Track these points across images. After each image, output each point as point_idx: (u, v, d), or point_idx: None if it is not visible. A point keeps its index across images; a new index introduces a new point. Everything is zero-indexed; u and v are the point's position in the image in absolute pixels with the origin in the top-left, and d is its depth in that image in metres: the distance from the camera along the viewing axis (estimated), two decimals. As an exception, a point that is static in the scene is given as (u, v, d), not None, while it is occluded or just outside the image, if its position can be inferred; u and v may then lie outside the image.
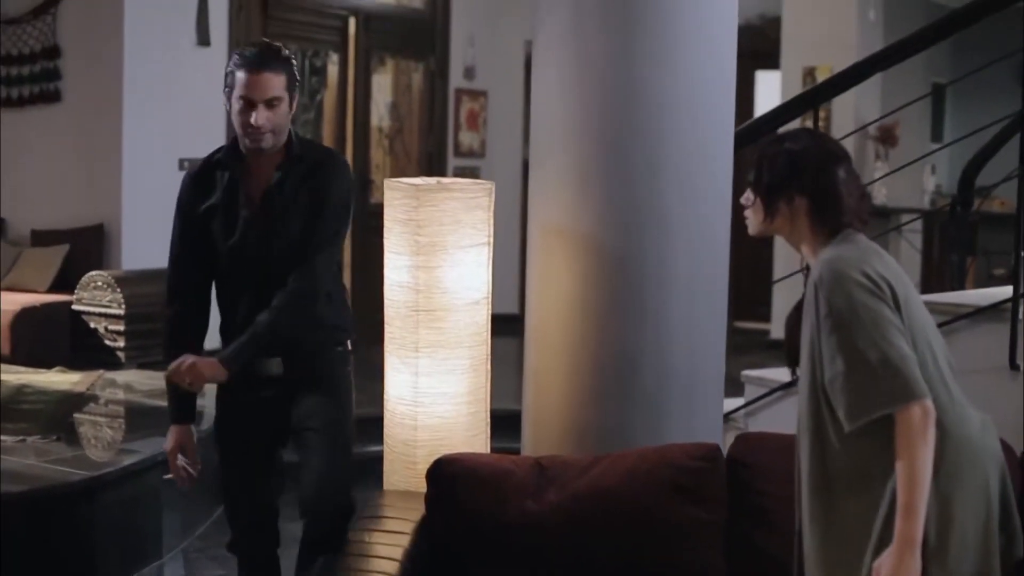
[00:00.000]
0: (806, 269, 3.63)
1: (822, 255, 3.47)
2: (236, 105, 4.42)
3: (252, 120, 4.39)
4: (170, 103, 9.66)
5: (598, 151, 4.59)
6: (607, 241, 4.57)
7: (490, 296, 4.70)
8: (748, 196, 3.65)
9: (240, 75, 4.41)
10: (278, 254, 4.50)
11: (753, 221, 3.64)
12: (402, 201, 4.55)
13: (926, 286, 11.51)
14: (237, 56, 4.49)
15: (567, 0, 4.65)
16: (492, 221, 4.66)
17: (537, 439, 4.76)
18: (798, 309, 3.66)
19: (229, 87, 4.44)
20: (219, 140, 9.89)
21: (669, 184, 4.58)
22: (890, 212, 12.18)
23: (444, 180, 4.79)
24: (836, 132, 11.40)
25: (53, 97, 9.70)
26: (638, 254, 4.58)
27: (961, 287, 8.01)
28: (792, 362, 3.66)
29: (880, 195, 12.62)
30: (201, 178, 4.61)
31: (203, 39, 9.79)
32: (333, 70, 11.31)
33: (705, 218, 4.62)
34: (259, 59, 4.43)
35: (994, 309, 5.17)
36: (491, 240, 4.66)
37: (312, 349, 4.65)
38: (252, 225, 4.52)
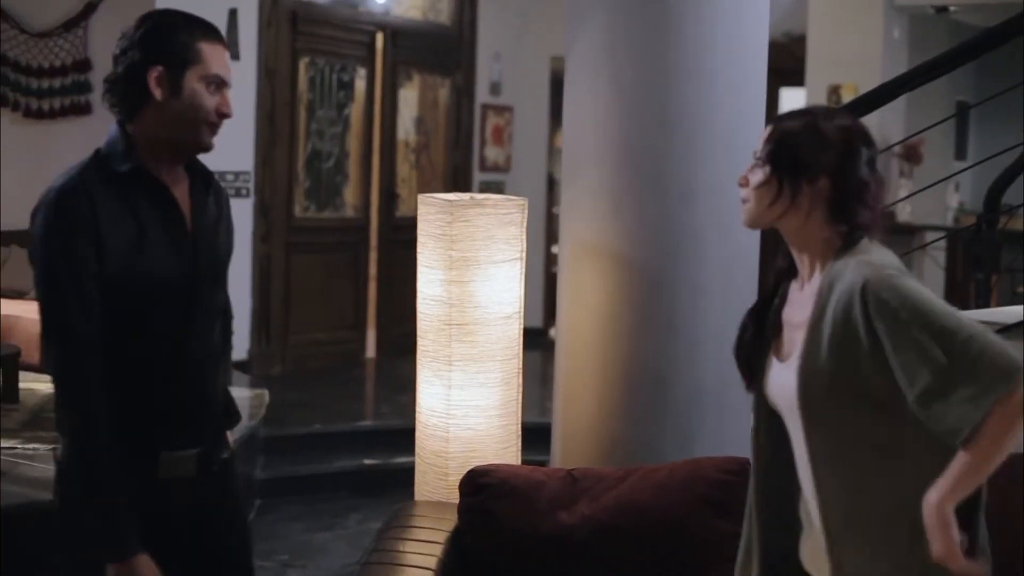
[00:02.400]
0: (782, 276, 3.21)
1: (842, 263, 2.97)
2: (197, 86, 3.33)
3: (227, 106, 3.41)
4: (199, 116, 9.71)
5: (631, 171, 4.64)
6: (639, 260, 4.62)
7: (522, 311, 4.76)
8: (756, 174, 3.08)
9: (206, 47, 3.36)
10: (208, 286, 3.50)
11: (757, 206, 3.08)
12: (436, 216, 4.61)
13: (950, 304, 11.51)
14: (185, 21, 3.41)
15: (599, 21, 4.70)
16: (525, 237, 4.72)
17: (567, 452, 4.80)
18: (757, 312, 3.25)
19: (179, 61, 3.32)
20: (248, 153, 10.02)
21: (702, 205, 4.63)
22: (914, 230, 12.21)
23: (477, 196, 4.84)
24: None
25: (84, 110, 9.77)
26: (670, 273, 4.63)
27: (986, 305, 8.03)
28: (747, 370, 3.25)
29: (904, 212, 12.66)
30: (100, 196, 3.30)
31: (233, 54, 9.81)
32: (360, 84, 11.37)
33: (737, 238, 4.66)
34: (216, 29, 3.48)
35: (1017, 327, 5.19)
36: (524, 255, 4.71)
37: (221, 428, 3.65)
38: (183, 251, 3.42)
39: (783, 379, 3.07)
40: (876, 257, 2.95)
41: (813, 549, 3.12)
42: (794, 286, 3.16)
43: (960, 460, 2.75)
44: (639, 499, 4.18)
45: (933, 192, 12.31)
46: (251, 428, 7.48)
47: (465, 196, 4.80)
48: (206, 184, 3.51)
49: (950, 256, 12.47)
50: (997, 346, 2.72)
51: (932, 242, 11.20)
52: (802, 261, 3.11)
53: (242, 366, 9.65)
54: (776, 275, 3.24)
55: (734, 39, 4.68)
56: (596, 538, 4.14)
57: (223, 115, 3.40)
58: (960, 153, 14.79)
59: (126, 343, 3.30)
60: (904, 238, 11.79)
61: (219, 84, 3.38)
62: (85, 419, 3.24)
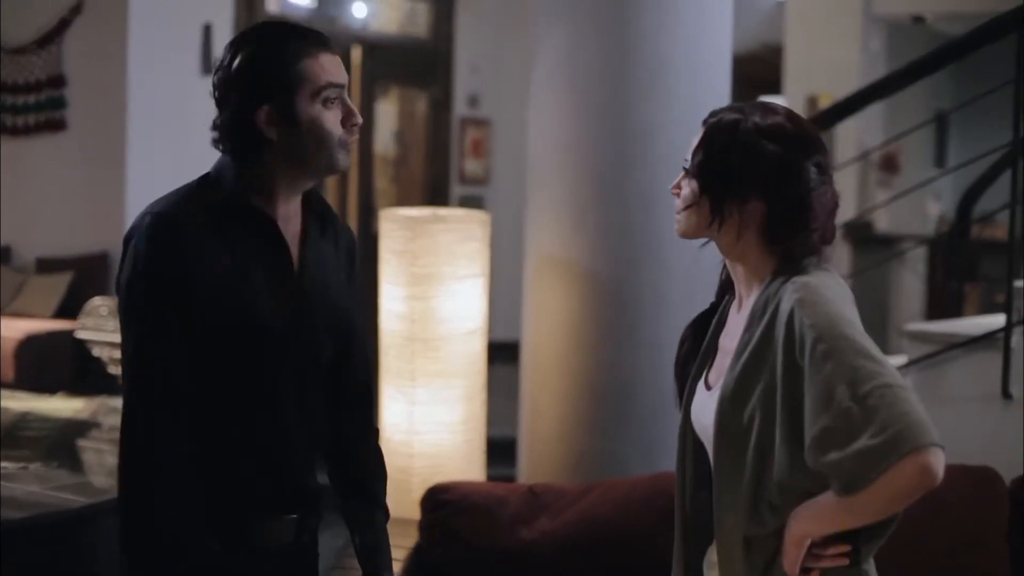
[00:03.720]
0: (725, 289, 2.92)
1: (777, 285, 2.65)
2: (313, 109, 2.86)
3: (353, 115, 2.92)
4: (175, 132, 9.70)
5: (593, 185, 4.65)
6: (601, 272, 4.61)
7: (486, 326, 4.75)
8: (686, 185, 2.75)
9: (308, 63, 2.86)
10: (313, 339, 3.02)
11: (686, 220, 2.76)
12: (398, 232, 4.60)
13: (930, 314, 11.52)
14: (276, 39, 2.90)
15: (562, 33, 4.71)
16: (488, 252, 4.71)
17: (533, 467, 4.80)
18: (695, 326, 2.97)
19: (284, 91, 2.86)
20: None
21: (663, 217, 4.61)
22: (892, 240, 12.21)
23: (440, 211, 4.84)
24: (838, 159, 11.44)
25: (58, 126, 9.75)
26: (633, 284, 4.63)
27: (958, 315, 8.03)
28: (681, 388, 2.92)
29: (883, 222, 12.66)
30: (199, 226, 2.85)
31: (207, 67, 9.83)
32: (337, 98, 11.34)
33: (700, 248, 4.65)
34: (322, 35, 2.97)
35: (987, 338, 5.19)
36: (486, 271, 4.70)
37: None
38: (286, 297, 2.96)
39: (706, 408, 2.76)
40: (816, 280, 2.62)
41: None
42: (733, 308, 2.86)
43: (838, 505, 2.51)
44: (600, 514, 4.15)
45: (912, 202, 12.33)
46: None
47: (428, 212, 4.79)
48: (323, 225, 3.07)
49: (930, 266, 12.48)
50: (911, 404, 2.42)
51: (901, 252, 11.19)
52: (738, 280, 2.80)
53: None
54: (719, 289, 2.95)
55: (695, 56, 4.69)
56: (557, 554, 4.12)
57: (353, 126, 2.93)
58: (940, 163, 14.79)
59: (211, 394, 2.86)
60: (882, 248, 11.79)
61: (336, 95, 2.91)
62: (145, 478, 2.79)
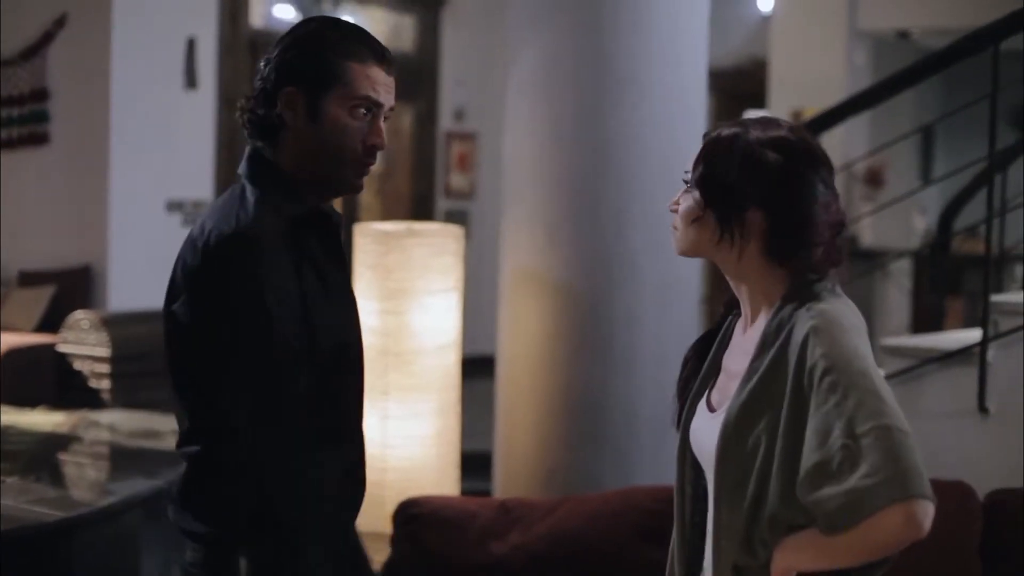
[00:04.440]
0: (730, 308, 2.82)
1: (791, 309, 2.57)
2: (340, 112, 2.78)
3: (378, 136, 2.85)
4: (158, 145, 9.69)
5: (567, 200, 4.66)
6: (575, 287, 4.62)
7: (460, 340, 4.75)
8: (687, 199, 2.66)
9: (356, 67, 2.80)
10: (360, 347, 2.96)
11: (685, 236, 2.66)
12: (372, 247, 4.60)
13: (916, 328, 11.54)
14: (335, 35, 2.83)
15: (536, 54, 4.73)
16: (462, 266, 4.71)
17: (508, 480, 4.80)
18: (699, 346, 2.87)
19: (317, 81, 2.77)
20: (207, 183, 9.98)
21: (637, 233, 4.63)
22: (876, 255, 12.23)
23: (415, 225, 4.84)
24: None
25: (42, 139, 9.74)
26: (607, 298, 4.64)
27: (940, 329, 8.04)
28: (681, 410, 2.83)
29: (867, 236, 12.67)
30: (287, 243, 2.75)
31: (191, 81, 9.84)
32: (320, 112, 11.34)
33: (674, 265, 4.66)
34: (385, 51, 2.91)
35: (963, 353, 5.18)
36: (460, 285, 4.70)
37: None
38: (351, 309, 2.94)
39: (708, 430, 2.68)
40: (832, 308, 2.54)
41: None
42: (738, 328, 2.76)
43: (822, 543, 2.46)
44: (571, 529, 4.15)
45: (898, 217, 12.34)
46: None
47: (402, 226, 4.79)
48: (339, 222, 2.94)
49: (915, 281, 12.49)
50: (908, 450, 2.35)
51: (884, 266, 11.19)
52: (743, 300, 2.70)
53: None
54: (725, 308, 2.83)
55: (670, 69, 4.71)
56: (528, 568, 4.11)
57: (373, 147, 2.83)
58: (926, 178, 14.81)
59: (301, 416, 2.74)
60: (867, 263, 11.80)
61: (370, 110, 2.81)
62: (300, 498, 2.70)
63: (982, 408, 5.05)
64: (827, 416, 2.40)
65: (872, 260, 11.88)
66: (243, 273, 2.66)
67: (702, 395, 2.78)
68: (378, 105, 2.82)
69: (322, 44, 2.80)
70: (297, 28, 2.87)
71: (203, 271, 2.69)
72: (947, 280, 10.14)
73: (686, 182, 2.66)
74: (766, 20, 12.93)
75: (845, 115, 6.05)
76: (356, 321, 2.92)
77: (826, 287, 2.61)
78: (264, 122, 2.79)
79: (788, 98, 12.46)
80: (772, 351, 2.55)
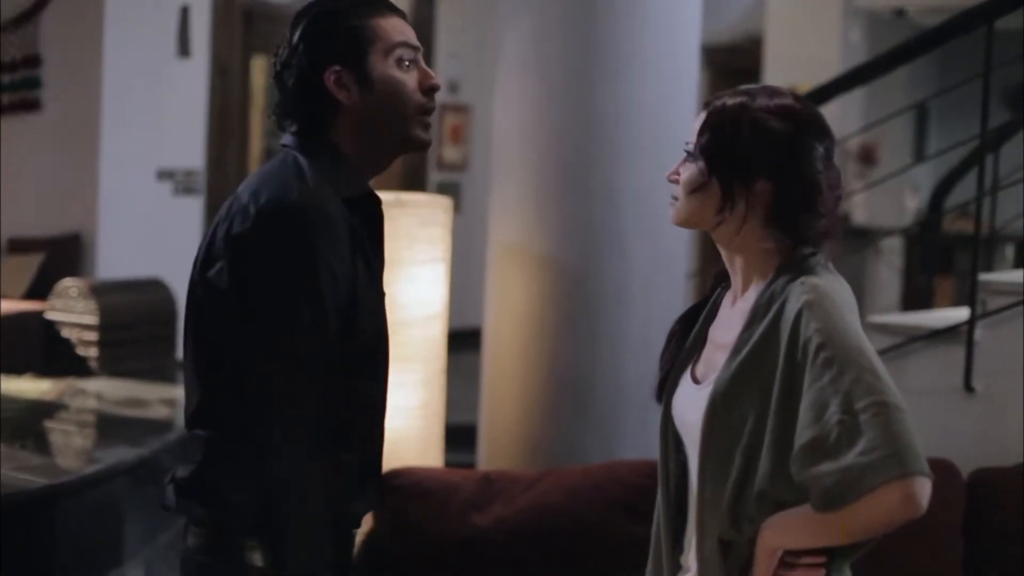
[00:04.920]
0: (719, 281, 2.80)
1: (783, 282, 2.55)
2: (387, 69, 2.72)
3: (434, 80, 2.79)
4: (150, 114, 9.66)
5: (556, 173, 4.64)
6: (564, 260, 4.61)
7: (446, 311, 4.73)
8: (688, 169, 2.63)
9: (380, 21, 2.74)
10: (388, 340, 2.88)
11: (687, 206, 2.63)
12: (359, 216, 4.59)
13: (905, 306, 11.55)
14: (346, 2, 2.74)
15: (527, 26, 4.70)
16: (449, 238, 4.69)
17: (492, 453, 4.79)
18: (686, 319, 2.84)
19: (355, 49, 2.69)
20: (198, 152, 9.95)
21: (627, 207, 4.62)
22: (868, 233, 12.23)
23: (403, 196, 4.82)
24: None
25: (33, 106, 9.69)
26: (595, 273, 4.63)
27: (929, 307, 8.03)
28: (663, 381, 2.81)
29: (860, 214, 12.67)
30: (343, 219, 2.66)
31: (184, 50, 9.80)
32: (315, 83, 11.32)
33: (662, 239, 4.66)
34: (388, 2, 2.83)
35: (950, 331, 5.18)
36: (447, 256, 4.68)
37: None
38: (382, 299, 2.85)
39: (692, 403, 2.65)
40: (826, 283, 2.52)
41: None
42: (726, 300, 2.75)
43: (814, 520, 2.44)
44: (553, 502, 4.15)
45: (890, 195, 12.33)
46: (184, 434, 7.43)
47: (390, 196, 4.76)
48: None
49: (907, 259, 12.49)
50: (905, 427, 2.32)
51: (875, 244, 11.18)
52: (735, 272, 2.68)
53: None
54: (714, 280, 2.82)
55: (662, 45, 4.68)
56: (509, 541, 4.12)
57: (431, 89, 2.77)
58: (919, 157, 14.81)
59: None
60: (859, 241, 11.80)
61: (411, 57, 2.75)
62: (329, 487, 2.62)
63: (968, 387, 5.04)
64: (822, 392, 2.38)
65: (864, 238, 11.88)
66: (300, 246, 2.56)
67: (686, 367, 2.76)
68: (416, 48, 2.77)
69: (343, 15, 2.72)
70: (307, 12, 2.76)
71: (255, 238, 2.59)
72: (938, 259, 10.13)
73: (688, 152, 2.63)
74: (762, -3, 12.92)
75: (839, 91, 6.02)
76: (385, 312, 2.83)
77: (820, 262, 2.59)
78: (316, 113, 2.72)
79: (783, 75, 12.40)
80: (763, 324, 2.53)
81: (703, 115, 2.64)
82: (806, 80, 12.09)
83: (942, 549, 4.35)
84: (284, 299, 2.57)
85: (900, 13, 13.05)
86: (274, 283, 2.58)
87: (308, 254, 2.56)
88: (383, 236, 2.81)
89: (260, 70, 10.79)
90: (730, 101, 2.62)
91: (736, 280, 2.69)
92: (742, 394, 2.53)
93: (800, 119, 2.59)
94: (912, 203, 13.84)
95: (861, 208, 12.68)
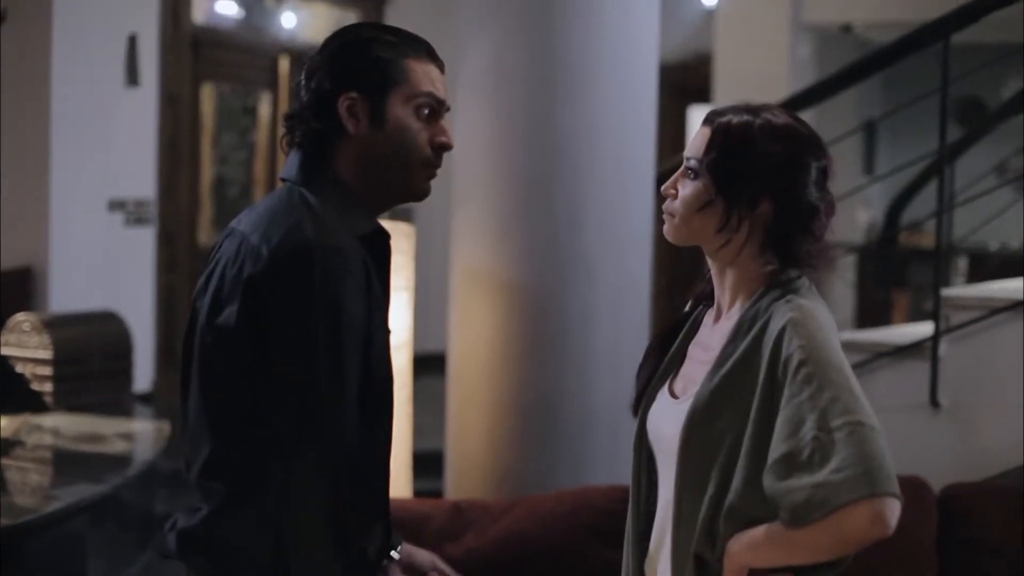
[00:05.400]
0: (700, 300, 2.81)
1: (769, 300, 2.56)
2: (404, 113, 2.67)
3: (445, 135, 2.73)
4: (99, 144, 9.58)
5: (519, 196, 4.62)
6: (527, 285, 4.58)
7: (411, 340, 4.70)
8: (689, 186, 2.62)
9: (414, 64, 2.67)
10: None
11: (686, 224, 2.62)
12: (321, 245, 4.54)
13: (860, 322, 11.57)
14: (386, 34, 2.70)
15: (486, 48, 4.68)
16: (413, 265, 4.66)
17: (460, 481, 4.75)
18: (666, 335, 2.83)
19: (378, 83, 2.64)
20: (149, 181, 9.88)
21: (590, 230, 4.60)
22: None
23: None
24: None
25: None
26: (560, 297, 4.60)
27: (887, 322, 8.05)
28: (639, 396, 2.80)
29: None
30: (357, 257, 2.58)
31: (132, 79, 9.73)
32: (265, 109, 11.28)
33: (627, 260, 4.64)
34: (428, 45, 2.76)
35: (915, 347, 5.18)
36: (411, 284, 4.65)
37: None
38: (388, 334, 2.74)
39: (669, 417, 2.65)
40: (811, 304, 2.53)
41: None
42: (708, 318, 2.76)
43: (782, 537, 2.43)
44: (525, 530, 4.13)
45: (842, 210, 12.35)
46: (151, 461, 7.35)
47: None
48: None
49: (860, 274, 12.52)
50: (879, 448, 2.35)
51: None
52: (723, 289, 2.69)
53: (146, 398, 9.52)
54: (695, 300, 2.83)
55: (621, 67, 4.67)
56: (483, 570, 4.09)
57: (441, 147, 2.70)
58: (869, 171, 14.88)
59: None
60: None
61: (433, 109, 2.69)
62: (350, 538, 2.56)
63: (934, 402, 5.05)
64: (800, 407, 2.39)
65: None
66: (318, 288, 2.48)
67: (664, 383, 2.75)
68: (440, 102, 2.70)
69: (377, 45, 2.66)
70: (344, 33, 2.73)
71: (270, 280, 2.51)
72: (892, 274, 10.17)
73: (691, 168, 2.62)
74: (710, 14, 12.93)
75: (798, 109, 6.04)
76: (390, 352, 2.74)
77: (805, 284, 2.60)
78: (321, 134, 2.65)
79: (733, 92, 12.41)
80: (747, 339, 2.54)
81: (706, 131, 2.63)
82: (755, 97, 12.12)
83: (916, 566, 4.34)
84: (300, 343, 2.50)
85: (847, 29, 13.11)
86: (290, 327, 2.51)
87: (325, 297, 2.48)
88: (390, 272, 2.74)
89: (209, 98, 10.72)
90: (735, 119, 2.61)
91: (723, 297, 2.69)
92: (722, 408, 2.53)
93: (804, 140, 2.60)
94: (864, 218, 13.89)
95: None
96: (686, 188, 2.62)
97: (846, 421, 2.35)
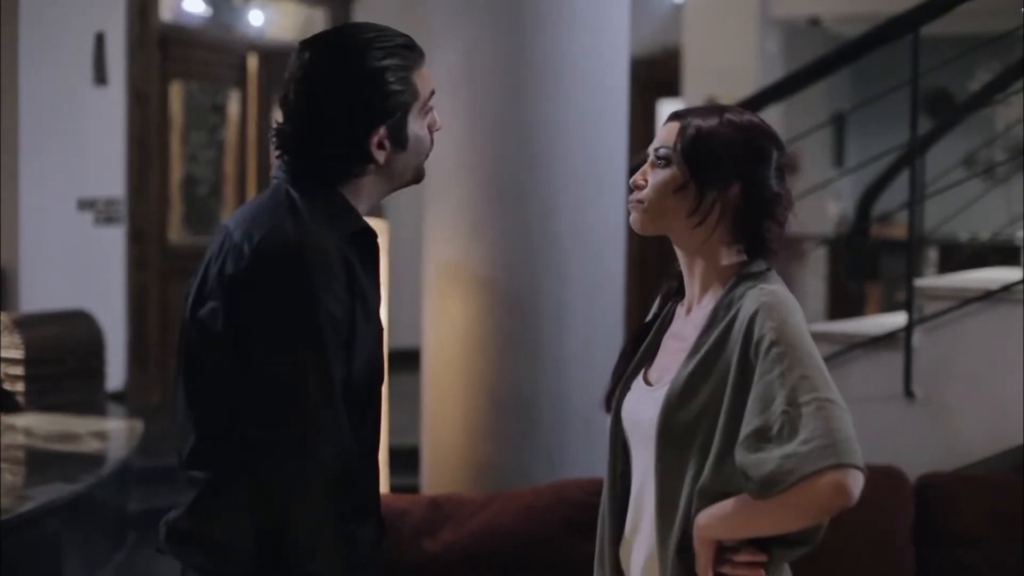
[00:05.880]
0: (670, 296, 2.87)
1: (742, 289, 2.64)
2: (417, 126, 2.75)
3: (439, 125, 2.86)
4: (68, 143, 9.54)
5: (491, 191, 4.62)
6: (501, 280, 4.58)
7: (386, 336, 4.69)
8: (659, 174, 2.69)
9: (417, 76, 2.74)
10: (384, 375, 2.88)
11: (656, 209, 2.70)
12: (294, 241, 4.54)
13: (832, 313, 11.61)
14: (395, 49, 2.73)
15: (457, 43, 4.68)
16: (386, 260, 4.65)
17: (435, 477, 4.75)
18: (641, 330, 2.89)
19: (402, 110, 2.70)
20: (118, 181, 9.85)
21: (564, 224, 4.60)
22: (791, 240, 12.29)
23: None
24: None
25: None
26: (534, 291, 4.60)
27: (860, 314, 8.07)
28: (613, 390, 2.86)
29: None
30: (339, 256, 2.61)
31: (100, 77, 9.69)
32: (234, 107, 11.24)
33: (601, 255, 4.64)
34: (419, 47, 2.84)
35: (888, 338, 5.20)
36: (385, 279, 4.64)
37: None
38: (378, 330, 2.77)
39: (645, 403, 2.72)
40: (782, 291, 2.62)
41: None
42: (679, 311, 2.82)
43: (749, 508, 2.52)
44: (503, 524, 4.13)
45: (812, 202, 12.40)
46: (124, 459, 7.33)
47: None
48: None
49: (831, 266, 12.56)
50: (844, 423, 2.44)
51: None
52: (693, 279, 2.76)
53: (118, 396, 9.49)
54: (663, 297, 2.89)
55: (592, 60, 4.68)
56: (461, 565, 4.09)
57: (436, 131, 2.82)
58: (839, 163, 14.92)
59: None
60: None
61: (433, 104, 2.81)
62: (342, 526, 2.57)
63: (908, 393, 5.07)
64: (771, 385, 2.48)
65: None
66: (298, 287, 2.52)
67: (638, 373, 2.82)
68: (433, 93, 2.80)
69: (390, 74, 2.68)
70: (348, 60, 2.69)
71: (251, 279, 2.55)
72: (865, 266, 10.19)
73: (660, 157, 2.70)
74: (678, 8, 12.95)
75: (767, 102, 6.06)
76: (383, 346, 2.79)
77: (774, 275, 2.69)
78: (347, 166, 2.67)
79: (702, 86, 12.47)
80: (721, 325, 2.62)
81: (674, 125, 2.73)
82: (724, 91, 12.17)
83: (893, 556, 4.36)
84: (282, 342, 2.54)
85: (815, 22, 13.14)
86: (272, 325, 2.54)
87: (306, 295, 2.51)
88: (379, 270, 2.78)
89: (178, 96, 10.69)
90: (701, 115, 2.73)
91: (694, 288, 2.76)
92: (698, 391, 2.61)
93: (766, 133, 2.73)
94: (835, 210, 13.93)
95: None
96: (657, 176, 2.70)
97: (815, 397, 2.44)
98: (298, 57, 2.74)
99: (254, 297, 2.55)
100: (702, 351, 2.64)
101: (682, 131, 2.71)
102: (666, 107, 13.30)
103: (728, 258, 2.71)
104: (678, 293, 2.84)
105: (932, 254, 11.60)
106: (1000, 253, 8.10)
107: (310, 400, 2.53)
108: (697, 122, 2.71)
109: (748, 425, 2.50)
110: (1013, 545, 4.38)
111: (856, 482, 2.43)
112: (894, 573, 4.33)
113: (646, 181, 2.71)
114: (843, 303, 11.56)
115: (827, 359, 5.07)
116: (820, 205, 13.46)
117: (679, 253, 2.78)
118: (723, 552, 2.61)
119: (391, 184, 2.75)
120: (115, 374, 9.51)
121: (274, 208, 2.63)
